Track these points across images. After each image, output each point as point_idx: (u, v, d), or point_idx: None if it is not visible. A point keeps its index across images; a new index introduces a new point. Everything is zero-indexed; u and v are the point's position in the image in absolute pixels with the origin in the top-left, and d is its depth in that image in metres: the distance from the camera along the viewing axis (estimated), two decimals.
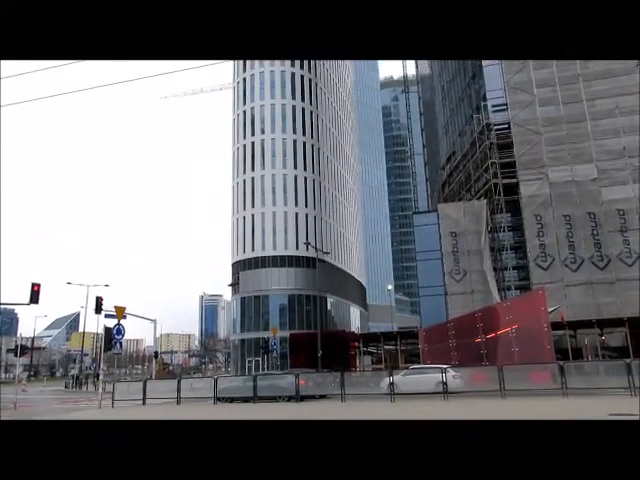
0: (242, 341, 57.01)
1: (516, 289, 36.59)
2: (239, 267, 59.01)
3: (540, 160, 32.77)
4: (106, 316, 27.47)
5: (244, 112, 62.02)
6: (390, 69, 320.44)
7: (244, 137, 61.25)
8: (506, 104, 34.89)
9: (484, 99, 37.81)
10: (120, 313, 23.52)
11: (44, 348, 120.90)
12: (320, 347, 33.03)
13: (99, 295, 30.69)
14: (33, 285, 22.30)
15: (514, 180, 33.95)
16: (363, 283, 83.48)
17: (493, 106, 36.86)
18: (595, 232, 31.04)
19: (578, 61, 32.64)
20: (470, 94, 43.42)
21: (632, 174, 30.61)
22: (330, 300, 61.60)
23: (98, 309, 29.76)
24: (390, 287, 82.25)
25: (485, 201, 36.01)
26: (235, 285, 59.51)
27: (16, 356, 27.86)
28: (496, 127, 36.14)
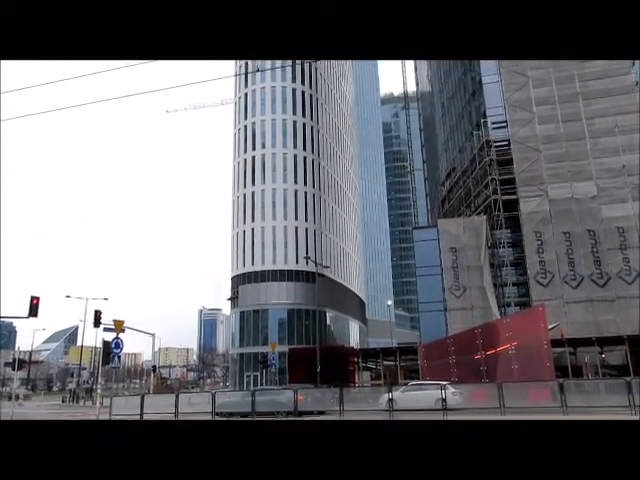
0: (241, 356, 56.73)
1: (516, 305, 36.49)
2: (238, 281, 58.93)
3: (540, 177, 32.91)
4: (105, 330, 27.39)
5: (245, 127, 62.44)
6: (390, 86, 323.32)
7: (245, 151, 61.58)
8: (506, 121, 35.12)
9: (484, 116, 38.05)
10: (119, 327, 23.44)
11: (42, 362, 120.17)
12: (319, 362, 32.86)
13: (98, 309, 30.62)
14: (32, 298, 22.28)
15: (514, 196, 34.05)
16: (363, 298, 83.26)
17: (493, 123, 37.08)
18: (595, 249, 31.06)
19: (577, 79, 32.95)
20: (470, 111, 43.72)
21: (632, 192, 30.72)
22: (329, 315, 61.42)
23: (97, 323, 29.66)
24: (390, 302, 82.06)
25: (485, 217, 36.07)
26: (234, 299, 59.38)
27: (13, 370, 27.71)
28: (496, 144, 36.33)
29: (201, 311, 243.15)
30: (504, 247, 36.13)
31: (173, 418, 20.30)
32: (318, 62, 67.27)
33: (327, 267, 55.96)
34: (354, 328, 72.48)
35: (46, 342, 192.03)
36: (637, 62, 32.99)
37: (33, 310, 22.15)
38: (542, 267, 31.95)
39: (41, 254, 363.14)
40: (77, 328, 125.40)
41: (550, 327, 23.60)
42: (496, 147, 36.25)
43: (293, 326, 56.49)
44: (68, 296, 48.75)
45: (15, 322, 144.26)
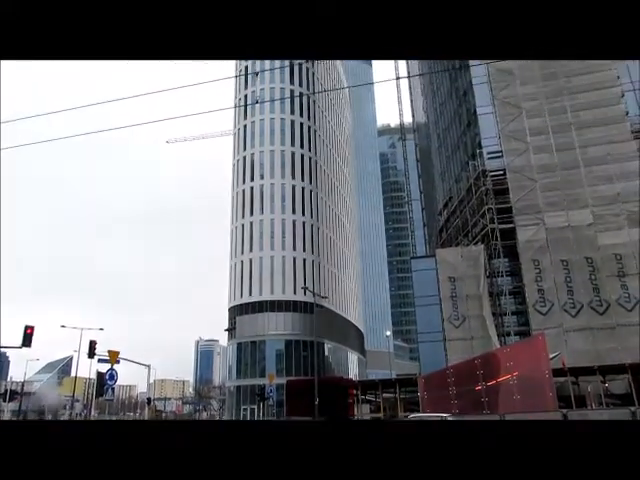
0: (237, 388, 55.90)
1: (516, 335, 36.17)
2: (236, 312, 58.56)
3: (536, 206, 33.09)
4: (99, 361, 27.03)
5: (244, 157, 63.08)
6: (387, 117, 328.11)
7: (243, 182, 62.06)
8: (501, 151, 35.51)
9: (479, 146, 38.50)
10: (113, 358, 23.15)
11: (34, 393, 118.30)
12: (317, 395, 32.34)
13: (93, 339, 30.28)
14: (26, 328, 22.03)
15: (511, 225, 34.17)
16: (361, 329, 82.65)
17: (488, 153, 37.50)
18: (593, 277, 30.99)
19: (570, 110, 33.47)
20: (465, 141, 44.28)
21: (628, 219, 30.86)
22: (328, 346, 60.83)
23: (91, 353, 29.29)
24: (388, 333, 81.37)
25: (482, 246, 36.11)
26: (231, 330, 58.87)
27: (5, 401, 27.22)
28: (492, 173, 36.65)
29: (198, 342, 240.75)
30: (502, 276, 36.05)
31: None
32: (316, 95, 68.37)
33: (325, 297, 55.68)
34: (353, 359, 71.70)
35: (39, 373, 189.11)
36: (627, 93, 33.61)
37: (27, 340, 21.88)
38: (541, 295, 31.81)
39: (35, 282, 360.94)
40: (71, 359, 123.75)
41: (551, 356, 23.32)
42: (492, 177, 36.56)
43: (291, 357, 55.90)
44: (63, 326, 48.19)
45: (8, 352, 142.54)
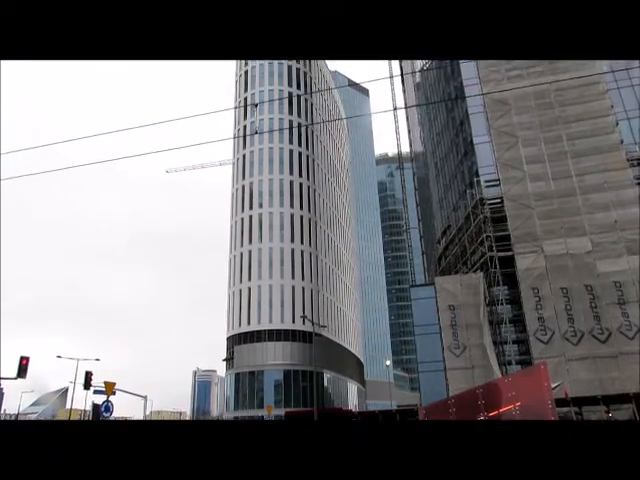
0: (236, 419, 54.90)
1: (517, 364, 35.76)
2: (234, 341, 58.00)
3: (534, 233, 33.15)
4: (95, 392, 26.60)
5: (243, 186, 63.48)
6: (385, 146, 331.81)
7: (242, 210, 62.30)
8: (498, 180, 35.77)
9: (477, 175, 38.79)
10: (110, 389, 22.79)
11: None
12: None
13: (89, 370, 29.85)
14: (22, 358, 21.74)
15: (510, 253, 34.16)
16: (360, 358, 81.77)
17: (486, 182, 37.75)
18: (593, 305, 30.82)
19: (565, 139, 33.85)
20: (463, 170, 44.65)
21: (626, 246, 30.88)
22: (327, 376, 60.07)
23: (87, 385, 28.82)
24: (388, 362, 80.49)
25: (482, 274, 36.02)
26: (229, 360, 58.19)
27: None
28: (489, 202, 36.85)
29: (195, 373, 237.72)
30: (502, 304, 35.86)
31: None
32: (315, 125, 69.24)
33: (324, 327, 55.26)
34: (352, 390, 70.71)
35: (34, 405, 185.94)
36: (620, 122, 34.07)
37: (22, 371, 21.57)
38: (541, 324, 31.58)
39: (31, 312, 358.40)
40: (67, 390, 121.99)
41: (553, 386, 23.00)
42: (489, 205, 36.74)
43: (290, 388, 55.13)
44: (59, 356, 47.72)
45: (3, 383, 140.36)
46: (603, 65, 36.27)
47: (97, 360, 48.40)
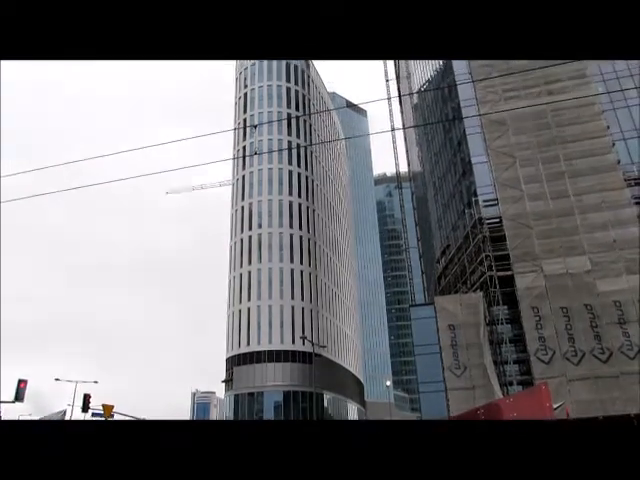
0: None
1: (518, 384, 35.49)
2: (233, 362, 57.61)
3: (533, 253, 33.19)
4: (93, 415, 26.39)
5: (242, 207, 63.73)
6: (383, 166, 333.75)
7: (242, 231, 62.43)
8: (496, 199, 35.93)
9: (475, 195, 38.97)
10: (108, 412, 22.63)
11: None
12: None
13: (87, 392, 29.60)
14: (19, 382, 21.58)
15: (509, 272, 34.16)
16: (361, 378, 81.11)
17: (484, 201, 37.91)
18: (594, 324, 30.72)
19: (562, 159, 34.14)
20: (461, 190, 44.89)
21: (625, 266, 30.91)
22: (327, 397, 59.52)
23: (85, 407, 28.56)
24: (389, 383, 79.76)
25: (481, 293, 35.96)
26: (229, 381, 57.70)
27: None
28: (488, 221, 36.95)
29: (194, 394, 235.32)
30: (502, 324, 35.73)
31: None
32: (314, 146, 69.81)
33: (324, 347, 54.98)
34: (352, 411, 70.01)
35: None
36: (617, 143, 34.42)
37: (20, 395, 21.39)
38: (542, 343, 31.44)
39: (30, 333, 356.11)
40: (65, 413, 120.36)
41: (555, 407, 22.82)
42: (488, 224, 36.85)
43: (289, 409, 54.58)
44: (57, 379, 47.34)
45: (2, 407, 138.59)
46: (599, 86, 36.79)
47: (95, 382, 48.03)
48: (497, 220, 36.15)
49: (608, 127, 34.44)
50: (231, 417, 56.38)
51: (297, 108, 70.17)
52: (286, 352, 56.02)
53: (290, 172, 65.17)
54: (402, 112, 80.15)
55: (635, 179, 34.39)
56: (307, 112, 71.78)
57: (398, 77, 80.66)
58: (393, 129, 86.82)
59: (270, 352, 55.82)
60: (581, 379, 29.89)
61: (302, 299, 59.44)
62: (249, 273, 59.89)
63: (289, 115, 68.07)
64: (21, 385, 21.28)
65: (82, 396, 29.58)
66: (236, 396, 56.20)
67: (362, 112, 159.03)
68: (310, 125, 72.60)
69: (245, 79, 71.48)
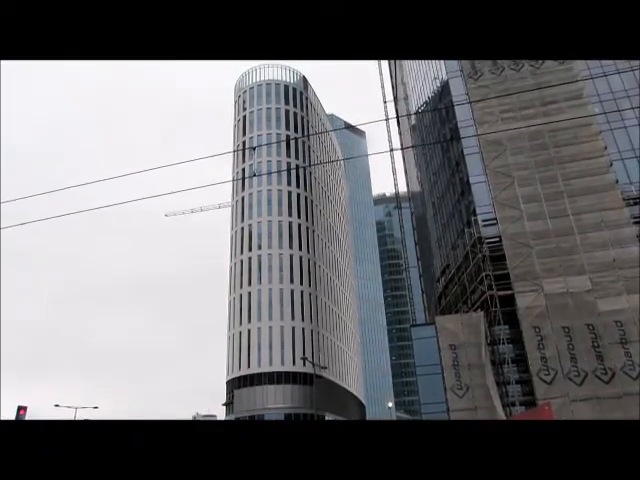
0: None
1: (521, 405, 35.14)
2: (234, 385, 57.12)
3: (533, 272, 33.17)
4: None
5: (242, 229, 63.85)
6: (382, 186, 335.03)
7: (241, 252, 62.45)
8: (496, 219, 36.04)
9: (474, 214, 39.09)
10: None
11: None
12: None
13: (87, 419, 29.30)
14: (19, 408, 21.40)
15: (509, 292, 34.09)
16: (362, 400, 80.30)
17: (483, 221, 38.00)
18: (596, 344, 30.57)
19: (561, 179, 34.35)
20: (460, 209, 45.04)
21: (626, 285, 30.89)
22: (328, 419, 58.86)
23: None
24: (390, 404, 79.07)
25: (482, 313, 35.83)
26: (229, 404, 57.13)
27: None
28: (487, 240, 36.99)
29: (195, 418, 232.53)
30: (504, 343, 35.53)
31: None
32: (312, 167, 70.25)
33: (325, 368, 54.58)
34: None
35: None
36: (615, 162, 34.69)
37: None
38: (544, 363, 31.24)
39: (30, 358, 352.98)
40: None
41: None
42: (488, 244, 36.88)
43: None
44: (57, 405, 46.82)
45: None
46: (595, 107, 37.21)
47: (95, 408, 47.52)
48: (497, 239, 36.20)
49: (606, 147, 34.75)
50: None
51: (296, 130, 70.82)
52: (287, 374, 55.60)
53: (289, 193, 65.49)
54: (400, 133, 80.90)
55: (634, 198, 34.55)
56: (306, 134, 72.42)
57: (396, 99, 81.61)
58: (392, 149, 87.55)
59: (271, 374, 55.41)
60: (584, 399, 29.64)
61: (302, 320, 59.21)
62: (249, 294, 59.75)
63: (288, 137, 68.68)
64: (21, 412, 21.09)
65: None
66: (237, 419, 55.61)
67: (361, 133, 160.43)
68: (309, 147, 73.20)
69: (244, 102, 72.29)
